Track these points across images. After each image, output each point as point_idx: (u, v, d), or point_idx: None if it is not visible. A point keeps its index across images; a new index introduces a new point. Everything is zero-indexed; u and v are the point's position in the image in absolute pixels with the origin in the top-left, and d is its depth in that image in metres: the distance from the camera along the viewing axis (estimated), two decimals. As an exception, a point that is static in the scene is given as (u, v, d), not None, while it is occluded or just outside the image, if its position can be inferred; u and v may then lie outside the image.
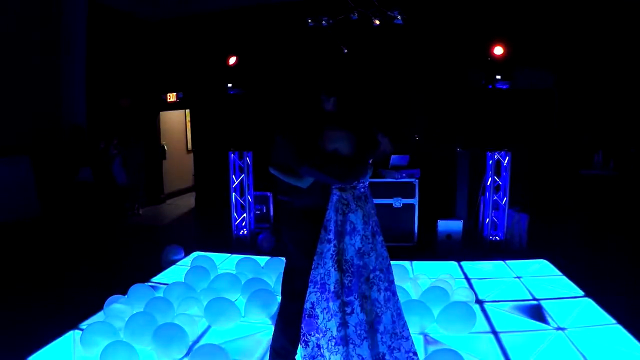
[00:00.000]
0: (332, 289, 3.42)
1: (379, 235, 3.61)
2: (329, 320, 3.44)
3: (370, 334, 3.47)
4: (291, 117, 3.83)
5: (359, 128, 3.53)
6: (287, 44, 9.88)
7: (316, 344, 3.51)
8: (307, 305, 3.51)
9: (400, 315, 3.64)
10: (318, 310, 3.49)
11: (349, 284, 3.42)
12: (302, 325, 3.54)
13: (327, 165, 3.36)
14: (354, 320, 3.42)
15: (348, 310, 3.42)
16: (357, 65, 9.65)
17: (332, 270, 3.42)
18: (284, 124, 3.68)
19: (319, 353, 3.50)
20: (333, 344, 3.44)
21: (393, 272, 3.71)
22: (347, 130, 3.47)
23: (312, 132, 3.49)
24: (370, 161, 3.66)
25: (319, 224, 3.52)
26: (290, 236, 3.79)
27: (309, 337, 3.52)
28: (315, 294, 3.49)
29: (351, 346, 3.43)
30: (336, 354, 3.43)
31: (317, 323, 3.48)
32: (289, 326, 3.71)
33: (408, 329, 3.65)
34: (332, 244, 3.44)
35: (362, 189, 3.56)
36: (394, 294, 3.64)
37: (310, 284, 3.50)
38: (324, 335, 3.46)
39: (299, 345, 3.62)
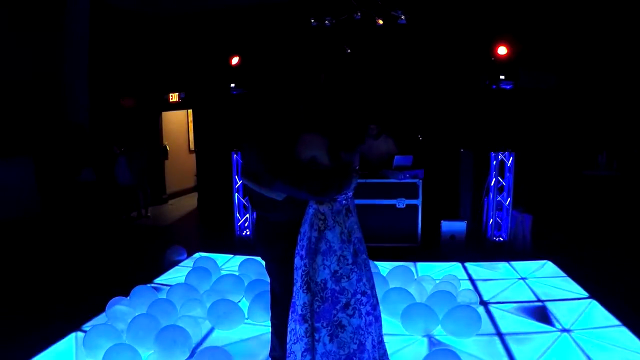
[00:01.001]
0: (299, 311, 3.12)
1: (362, 254, 3.27)
2: (294, 343, 3.18)
3: None
4: (263, 124, 3.43)
5: (334, 131, 3.17)
6: (289, 43, 9.87)
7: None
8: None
9: (381, 342, 3.41)
10: (287, 330, 3.24)
11: (318, 309, 3.09)
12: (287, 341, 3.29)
13: (304, 180, 3.03)
14: (320, 349, 3.09)
15: (316, 337, 3.10)
16: (363, 66, 9.64)
17: (301, 291, 3.12)
18: (254, 131, 3.36)
19: None
20: None
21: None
22: (320, 134, 3.14)
23: (286, 140, 3.12)
24: (357, 167, 3.30)
25: (292, 238, 3.22)
26: (266, 253, 3.50)
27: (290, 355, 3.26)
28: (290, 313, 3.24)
29: None
30: None
31: (287, 343, 3.27)
32: (280, 344, 3.49)
33: (388, 358, 3.47)
34: (303, 262, 3.13)
35: (344, 201, 3.20)
36: (377, 319, 3.33)
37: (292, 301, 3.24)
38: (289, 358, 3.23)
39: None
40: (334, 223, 3.13)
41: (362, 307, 3.17)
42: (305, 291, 3.10)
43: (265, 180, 3.07)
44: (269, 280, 3.68)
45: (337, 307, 3.10)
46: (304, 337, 3.11)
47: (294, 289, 3.16)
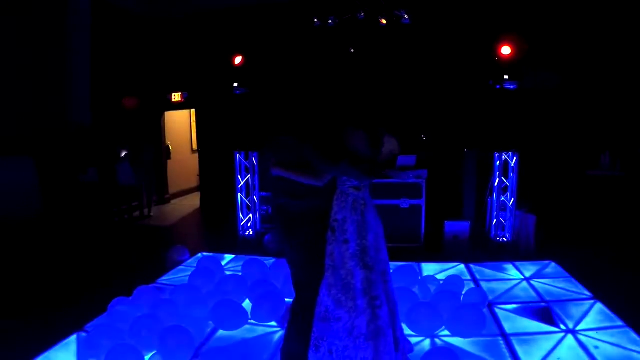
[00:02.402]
0: (359, 286, 3.43)
1: (380, 229, 3.71)
2: (357, 318, 3.42)
3: (392, 322, 3.60)
4: (307, 119, 3.73)
5: (371, 127, 3.54)
6: (294, 43, 9.86)
7: (328, 349, 3.45)
8: (321, 309, 3.47)
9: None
10: (342, 312, 3.44)
11: (374, 279, 3.47)
12: (314, 329, 3.49)
13: (360, 163, 3.37)
14: (384, 311, 3.48)
15: (378, 303, 3.46)
16: (366, 66, 9.63)
17: (358, 269, 3.44)
18: (298, 125, 3.61)
19: (330, 358, 3.44)
20: (362, 340, 3.41)
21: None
22: (363, 130, 3.48)
23: (330, 133, 3.47)
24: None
25: (323, 225, 3.48)
26: (292, 240, 3.65)
27: (320, 341, 3.47)
28: (335, 297, 3.44)
29: (382, 338, 3.44)
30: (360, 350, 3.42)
31: (335, 326, 3.44)
32: (301, 332, 3.59)
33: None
34: (352, 244, 3.46)
35: (369, 188, 3.64)
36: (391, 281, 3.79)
37: (322, 288, 3.45)
38: (347, 336, 3.43)
39: (309, 349, 3.54)
40: (369, 205, 3.60)
41: (388, 274, 3.72)
42: (362, 267, 3.45)
43: (328, 163, 3.35)
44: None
45: (379, 273, 3.58)
46: (367, 308, 3.43)
47: (343, 272, 3.43)
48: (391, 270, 3.84)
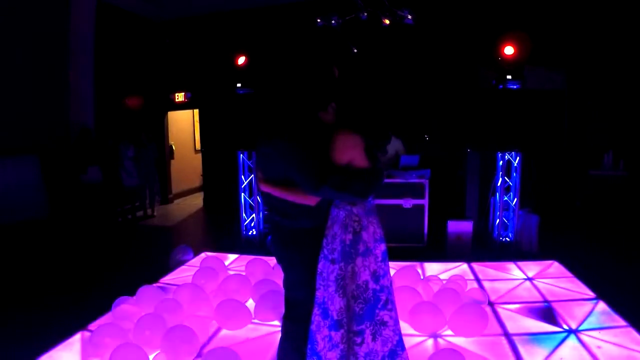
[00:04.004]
0: (334, 316, 3.04)
1: (385, 246, 3.23)
2: (329, 350, 3.08)
3: None
4: (295, 125, 3.16)
5: (366, 131, 3.13)
6: (296, 43, 9.88)
7: None
8: (312, 327, 3.15)
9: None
10: (319, 337, 3.12)
11: (361, 312, 3.06)
12: (309, 343, 3.18)
13: (349, 182, 2.92)
14: (364, 349, 3.09)
15: (358, 340, 3.08)
16: (369, 66, 9.64)
17: (337, 296, 3.04)
18: (290, 137, 3.07)
19: None
20: None
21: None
22: (358, 135, 3.05)
23: (319, 142, 3.03)
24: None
25: (318, 243, 3.14)
26: (289, 259, 3.33)
27: (314, 355, 3.18)
28: (318, 318, 3.12)
29: None
30: None
31: (317, 349, 3.14)
32: (294, 350, 3.36)
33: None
34: (337, 266, 3.05)
35: (372, 200, 3.20)
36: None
37: (315, 305, 3.13)
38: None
39: None
40: (367, 223, 3.10)
41: (393, 303, 3.20)
42: (341, 295, 3.04)
43: (311, 185, 2.94)
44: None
45: (379, 305, 3.11)
46: (339, 343, 3.06)
47: (325, 294, 3.07)
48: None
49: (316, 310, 3.11)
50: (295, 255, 3.25)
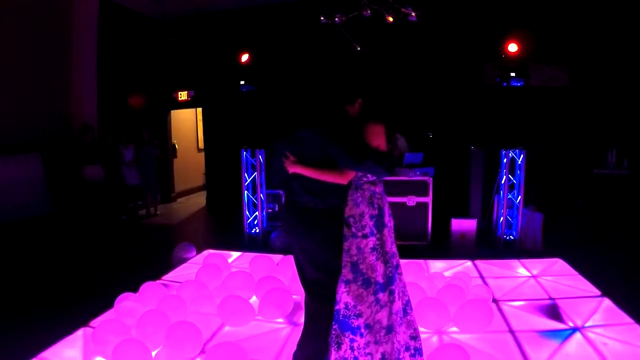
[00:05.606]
0: (380, 280, 3.48)
1: (391, 222, 3.76)
2: (378, 312, 3.46)
3: (405, 318, 3.68)
4: (326, 117, 3.64)
5: (387, 123, 3.60)
6: (301, 41, 9.87)
7: (349, 346, 3.42)
8: (340, 306, 3.44)
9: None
10: (363, 307, 3.43)
11: (390, 274, 3.55)
12: (336, 326, 3.45)
13: (385, 160, 3.39)
14: (396, 307, 3.55)
15: (391, 299, 3.53)
16: (377, 64, 9.63)
17: (379, 263, 3.50)
18: (324, 122, 3.55)
19: (352, 355, 3.41)
20: (382, 334, 3.46)
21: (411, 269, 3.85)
22: (383, 125, 3.55)
23: (350, 130, 3.50)
24: None
25: (340, 223, 3.51)
26: (314, 238, 3.54)
27: (342, 338, 3.44)
28: (355, 293, 3.43)
29: (394, 333, 3.52)
30: (376, 350, 3.44)
31: (355, 322, 3.42)
32: (320, 331, 3.53)
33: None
34: (372, 238, 3.50)
35: (382, 182, 3.71)
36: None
37: (341, 284, 3.44)
38: (369, 332, 3.42)
39: (331, 348, 3.47)
40: (385, 200, 3.66)
41: (400, 267, 3.75)
42: (382, 262, 3.52)
43: (357, 160, 3.34)
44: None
45: (399, 270, 3.70)
46: (387, 302, 3.52)
47: (363, 266, 3.45)
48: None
49: (346, 288, 3.45)
50: (323, 235, 3.51)
